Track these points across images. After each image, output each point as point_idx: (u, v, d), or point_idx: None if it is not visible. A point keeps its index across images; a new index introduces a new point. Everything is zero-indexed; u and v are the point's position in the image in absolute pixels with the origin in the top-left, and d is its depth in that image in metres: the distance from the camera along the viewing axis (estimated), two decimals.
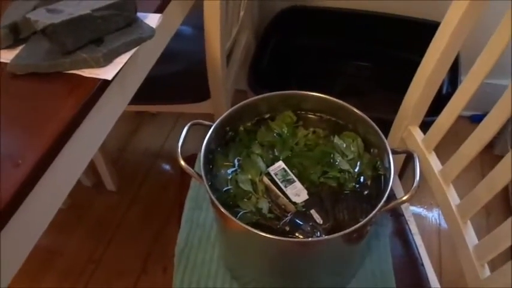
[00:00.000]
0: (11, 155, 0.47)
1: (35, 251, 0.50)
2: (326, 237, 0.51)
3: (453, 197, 0.66)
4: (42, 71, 0.55)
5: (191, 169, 0.58)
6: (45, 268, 1.17)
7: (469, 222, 0.63)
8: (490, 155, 1.35)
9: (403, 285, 0.67)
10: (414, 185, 0.53)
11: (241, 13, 1.11)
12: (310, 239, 0.51)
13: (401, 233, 0.75)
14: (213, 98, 1.02)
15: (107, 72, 0.56)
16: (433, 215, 1.29)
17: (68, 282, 1.15)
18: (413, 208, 1.29)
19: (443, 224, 1.27)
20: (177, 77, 1.06)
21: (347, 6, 1.32)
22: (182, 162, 0.57)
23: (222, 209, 0.52)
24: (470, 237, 0.62)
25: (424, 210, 1.30)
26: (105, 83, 0.56)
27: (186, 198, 0.79)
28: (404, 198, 0.52)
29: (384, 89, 1.32)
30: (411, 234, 0.74)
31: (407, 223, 0.76)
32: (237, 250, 0.64)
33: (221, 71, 0.95)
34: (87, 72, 0.56)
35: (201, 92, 1.02)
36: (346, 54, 1.37)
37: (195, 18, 0.89)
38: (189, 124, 0.61)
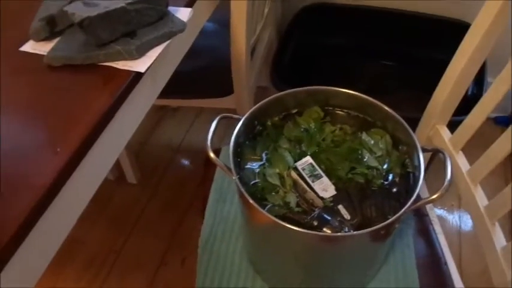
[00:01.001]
0: (50, 143, 0.48)
1: None
2: (356, 232, 0.51)
3: (481, 198, 0.65)
4: (78, 62, 0.57)
5: (220, 161, 0.58)
6: (68, 257, 1.20)
7: (497, 224, 0.63)
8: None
9: (427, 284, 0.67)
10: (445, 184, 0.52)
11: (266, 10, 1.11)
12: (339, 233, 0.51)
13: (425, 233, 0.75)
14: (236, 93, 1.03)
15: (139, 65, 0.57)
16: (454, 218, 1.28)
17: (90, 270, 1.18)
18: (434, 209, 1.28)
19: (464, 227, 1.25)
20: (200, 72, 1.07)
21: (370, 4, 1.31)
22: (211, 155, 0.58)
23: (252, 201, 0.52)
24: (499, 239, 0.61)
25: (445, 212, 1.29)
26: (138, 75, 0.57)
27: (209, 190, 0.80)
28: (434, 196, 0.52)
29: (408, 88, 1.31)
30: (435, 234, 0.74)
31: (431, 223, 0.76)
32: (262, 243, 0.64)
33: (245, 66, 0.95)
34: (120, 65, 0.57)
35: (224, 87, 1.03)
36: (370, 53, 1.36)
37: (218, 14, 0.90)
38: (218, 117, 0.62)
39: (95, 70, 0.57)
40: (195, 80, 1.08)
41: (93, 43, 0.57)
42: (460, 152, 0.72)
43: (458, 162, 0.70)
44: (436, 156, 0.75)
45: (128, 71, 0.56)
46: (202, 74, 1.08)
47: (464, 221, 1.26)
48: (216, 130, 0.61)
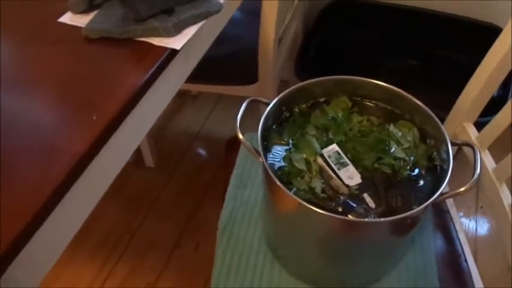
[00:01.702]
0: (87, 111, 0.49)
1: None
2: (381, 219, 0.51)
3: (506, 196, 0.65)
4: (115, 36, 0.58)
5: (248, 143, 0.59)
6: (83, 235, 1.22)
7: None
8: None
9: (445, 279, 0.67)
10: (475, 176, 0.52)
11: (296, 1, 1.11)
12: (365, 219, 0.51)
13: (446, 229, 0.74)
14: (261, 82, 1.03)
15: (175, 42, 0.57)
16: (471, 221, 1.27)
17: (105, 248, 1.20)
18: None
19: (480, 230, 1.24)
20: (227, 59, 1.07)
21: (397, 2, 1.30)
22: (240, 136, 0.59)
23: (278, 182, 0.53)
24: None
25: (462, 214, 1.28)
26: (173, 53, 0.58)
27: (230, 175, 0.81)
28: (463, 189, 0.52)
29: (430, 89, 1.30)
30: (455, 231, 0.74)
31: (452, 220, 0.75)
32: (284, 228, 0.65)
33: (273, 55, 0.96)
34: (156, 41, 0.58)
35: (249, 75, 1.03)
36: (394, 51, 1.35)
37: (246, 3, 0.90)
38: (248, 100, 0.62)
39: (131, 44, 0.58)
40: (221, 66, 1.08)
41: (131, 17, 0.57)
42: (486, 150, 0.71)
43: (484, 160, 0.69)
44: (457, 154, 0.74)
45: (164, 47, 0.57)
46: (229, 60, 1.09)
47: (481, 224, 1.25)
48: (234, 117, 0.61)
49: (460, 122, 0.76)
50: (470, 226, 1.26)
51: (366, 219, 0.51)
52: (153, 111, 0.62)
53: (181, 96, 1.58)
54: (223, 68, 1.08)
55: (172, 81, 0.63)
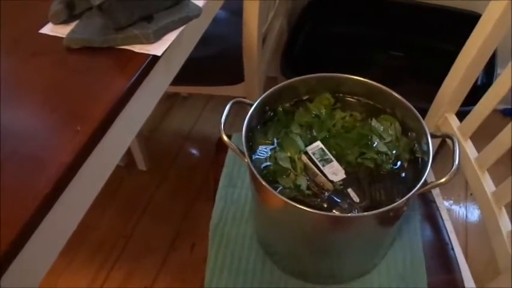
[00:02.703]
0: (71, 122, 0.50)
1: None
2: (365, 213, 0.53)
3: (488, 184, 0.67)
4: (96, 45, 0.58)
5: (233, 145, 0.60)
6: (79, 241, 1.23)
7: (503, 208, 0.64)
8: None
9: (434, 269, 0.68)
10: (453, 168, 0.53)
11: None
12: (349, 214, 0.53)
13: (432, 219, 0.76)
14: (247, 81, 1.04)
15: (156, 48, 0.58)
16: (461, 208, 1.29)
17: (100, 254, 1.20)
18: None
19: (470, 217, 1.26)
20: (212, 60, 1.08)
21: None
22: (225, 137, 0.60)
23: (263, 182, 0.54)
24: (505, 223, 0.62)
25: (452, 202, 1.30)
26: (155, 59, 0.58)
27: (220, 175, 0.82)
28: (443, 180, 0.53)
29: (416, 79, 1.32)
30: (442, 220, 0.75)
31: (438, 209, 0.77)
32: (273, 225, 0.66)
33: (257, 54, 0.96)
34: (137, 48, 0.58)
35: (235, 75, 1.04)
36: (379, 43, 1.36)
37: (230, 3, 0.91)
38: (231, 101, 0.63)
39: (113, 53, 0.58)
40: (207, 67, 1.09)
41: (111, 26, 0.58)
42: (469, 140, 0.73)
43: (466, 150, 0.71)
44: (443, 145, 0.76)
45: (145, 54, 0.58)
46: (214, 61, 1.10)
47: (471, 211, 1.27)
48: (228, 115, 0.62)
49: (442, 113, 0.77)
50: (461, 213, 1.28)
51: (349, 214, 0.53)
52: (139, 116, 0.63)
53: (171, 98, 1.58)
54: (209, 69, 1.09)
55: (155, 86, 0.64)
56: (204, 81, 1.09)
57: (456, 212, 1.28)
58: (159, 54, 0.58)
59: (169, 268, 1.18)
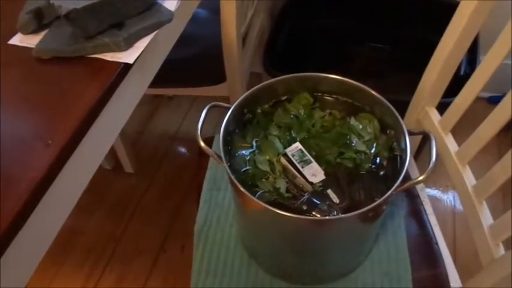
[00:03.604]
0: (41, 136, 0.49)
1: (59, 231, 0.53)
2: (343, 215, 0.53)
3: (469, 178, 0.67)
4: (66, 55, 0.57)
5: (211, 150, 0.59)
6: (68, 247, 1.22)
7: (484, 202, 0.64)
8: (507, 135, 1.34)
9: (418, 265, 0.69)
10: (430, 165, 0.53)
11: None
12: (327, 217, 0.52)
13: (417, 214, 0.76)
14: (229, 80, 1.03)
15: (128, 56, 0.57)
16: (448, 197, 1.29)
17: (90, 259, 1.20)
18: (428, 190, 1.29)
19: (458, 206, 1.27)
20: (193, 61, 1.07)
21: None
22: (202, 144, 0.59)
23: (241, 188, 0.54)
24: (486, 217, 0.62)
25: (440, 192, 1.31)
26: (127, 67, 0.57)
27: (204, 179, 0.81)
28: (420, 178, 0.53)
29: (400, 71, 1.31)
30: (426, 214, 0.75)
31: (422, 204, 0.77)
32: (255, 229, 0.66)
33: (237, 53, 0.96)
34: (109, 56, 0.57)
35: (216, 75, 1.03)
36: (362, 36, 1.36)
37: (211, 1, 0.90)
38: (208, 106, 0.62)
39: (84, 62, 0.57)
40: (188, 68, 1.08)
41: (80, 35, 0.57)
42: (449, 134, 0.73)
43: (447, 144, 0.71)
44: (427, 140, 0.76)
45: (117, 62, 0.57)
46: (195, 62, 1.09)
47: (458, 201, 1.28)
48: (209, 118, 0.62)
49: (423, 107, 0.77)
50: (449, 203, 1.29)
51: (327, 217, 0.52)
52: (114, 125, 0.62)
53: (156, 99, 1.57)
54: (190, 70, 1.08)
55: (130, 93, 0.63)
56: (186, 83, 1.08)
57: (444, 202, 1.29)
58: (131, 62, 0.57)
59: (160, 270, 1.18)
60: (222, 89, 1.06)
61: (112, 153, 1.35)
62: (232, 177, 0.55)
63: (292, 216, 0.51)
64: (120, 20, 0.58)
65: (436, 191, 1.31)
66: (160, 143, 1.47)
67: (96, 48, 0.57)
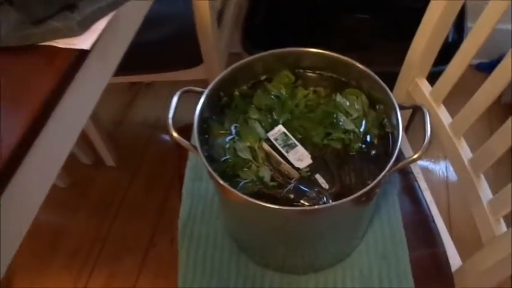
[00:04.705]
0: None
1: (41, 233, 0.48)
2: (334, 203, 0.48)
3: (465, 151, 0.63)
4: (13, 44, 0.51)
5: (185, 141, 0.54)
6: (53, 249, 1.16)
7: (482, 176, 0.60)
8: (496, 104, 1.31)
9: (415, 244, 0.65)
10: (425, 142, 0.49)
11: None
12: (316, 206, 0.48)
13: (411, 191, 0.72)
14: (206, 62, 0.97)
15: (83, 41, 0.51)
16: (441, 168, 1.27)
17: (77, 262, 1.15)
18: (419, 162, 1.26)
19: (451, 177, 1.25)
20: (166, 43, 1.00)
21: None
22: (175, 134, 0.54)
23: (221, 181, 0.49)
24: (484, 191, 0.59)
25: (431, 163, 1.28)
26: (84, 53, 0.51)
27: (185, 169, 0.76)
28: (415, 156, 0.49)
29: (384, 40, 1.26)
30: (421, 191, 0.72)
31: (416, 180, 0.73)
32: (241, 222, 0.61)
33: (212, 32, 0.89)
34: (62, 43, 0.51)
35: (193, 57, 0.97)
36: (344, 7, 1.29)
37: None
38: (178, 93, 0.57)
39: (34, 51, 0.51)
40: (162, 51, 1.01)
41: (27, 21, 0.50)
42: (442, 106, 0.68)
43: (440, 116, 0.67)
44: (418, 112, 0.71)
45: (71, 49, 0.51)
46: (169, 44, 1.01)
47: (451, 172, 1.25)
48: (186, 104, 0.56)
49: (413, 78, 0.72)
50: (441, 174, 1.26)
51: (317, 206, 0.48)
52: (77, 117, 0.56)
53: (133, 87, 1.50)
54: (164, 53, 1.01)
55: (92, 82, 0.57)
56: (159, 67, 1.01)
57: (437, 173, 1.26)
58: (87, 47, 0.50)
59: (150, 265, 1.14)
60: (199, 71, 1.00)
61: (90, 147, 1.28)
62: (210, 169, 0.50)
63: (278, 208, 0.47)
64: (72, 1, 0.52)
65: (428, 162, 1.28)
66: (141, 133, 1.41)
67: (47, 34, 0.50)
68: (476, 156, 0.60)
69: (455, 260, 0.65)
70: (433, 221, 0.68)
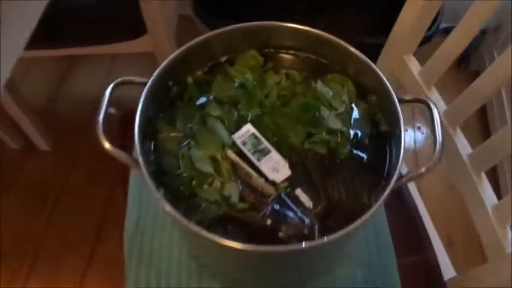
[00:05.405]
0: None
1: None
2: (329, 238, 0.35)
3: (463, 146, 0.54)
4: None
5: (124, 154, 0.40)
6: None
7: (483, 175, 0.52)
8: (466, 71, 1.25)
9: (403, 250, 0.57)
10: (436, 150, 0.38)
11: None
12: (306, 244, 0.36)
13: (398, 192, 0.63)
14: (151, 32, 0.80)
15: None
16: (410, 138, 1.20)
17: (11, 260, 0.99)
18: None
19: (419, 145, 1.19)
20: (101, 9, 0.81)
21: None
22: (107, 146, 0.40)
23: (168, 209, 0.36)
24: (488, 194, 0.50)
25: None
26: None
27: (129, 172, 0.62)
28: (423, 170, 0.38)
29: (350, 4, 1.14)
30: (407, 189, 0.63)
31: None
32: (202, 253, 0.49)
33: None
34: None
35: (134, 26, 0.80)
36: None
37: None
38: (111, 86, 0.43)
39: None
40: (97, 19, 0.82)
41: None
42: (434, 89, 0.58)
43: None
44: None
45: None
46: (105, 10, 0.82)
47: (420, 141, 1.20)
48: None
49: (399, 55, 0.61)
50: (409, 142, 1.20)
51: (307, 245, 0.36)
52: None
53: (65, 59, 1.28)
54: (99, 22, 0.82)
55: None
56: (94, 39, 0.83)
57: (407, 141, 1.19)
58: None
59: (97, 264, 1.01)
60: (144, 43, 0.83)
61: (17, 130, 1.09)
62: (157, 192, 0.37)
63: (248, 251, 0.35)
64: None
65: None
66: (81, 111, 1.22)
67: None
68: (476, 152, 0.51)
69: (447, 268, 0.57)
70: (423, 225, 0.59)
